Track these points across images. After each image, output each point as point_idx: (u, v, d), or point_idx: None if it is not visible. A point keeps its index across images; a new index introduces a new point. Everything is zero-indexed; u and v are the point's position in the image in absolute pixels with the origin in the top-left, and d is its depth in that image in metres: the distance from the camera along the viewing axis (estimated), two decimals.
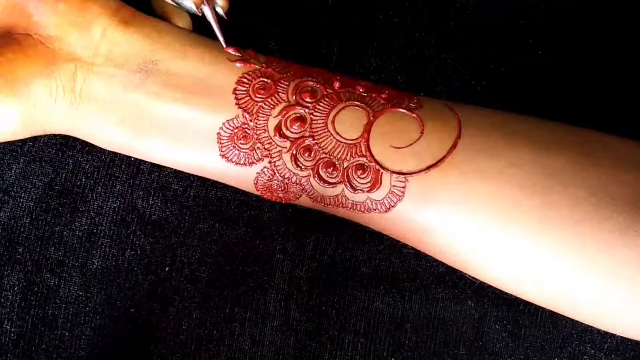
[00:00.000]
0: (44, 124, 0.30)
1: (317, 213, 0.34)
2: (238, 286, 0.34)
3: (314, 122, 0.29)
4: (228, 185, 0.31)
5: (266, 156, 0.29)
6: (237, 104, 0.29)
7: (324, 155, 0.28)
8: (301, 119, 0.29)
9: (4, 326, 0.33)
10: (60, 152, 0.34)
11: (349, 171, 0.28)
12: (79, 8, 0.29)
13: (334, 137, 0.29)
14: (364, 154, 0.28)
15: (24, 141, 0.34)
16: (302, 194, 0.30)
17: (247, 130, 0.29)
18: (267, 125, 0.29)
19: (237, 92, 0.29)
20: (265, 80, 0.29)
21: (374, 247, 0.34)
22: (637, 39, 0.36)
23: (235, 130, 0.29)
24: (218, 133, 0.29)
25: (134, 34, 0.30)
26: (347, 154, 0.28)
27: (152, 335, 0.33)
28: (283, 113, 0.29)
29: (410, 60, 0.36)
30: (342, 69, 0.35)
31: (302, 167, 0.29)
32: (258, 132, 0.29)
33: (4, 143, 0.34)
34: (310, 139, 0.29)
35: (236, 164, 0.29)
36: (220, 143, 0.29)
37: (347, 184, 0.28)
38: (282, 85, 0.29)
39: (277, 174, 0.29)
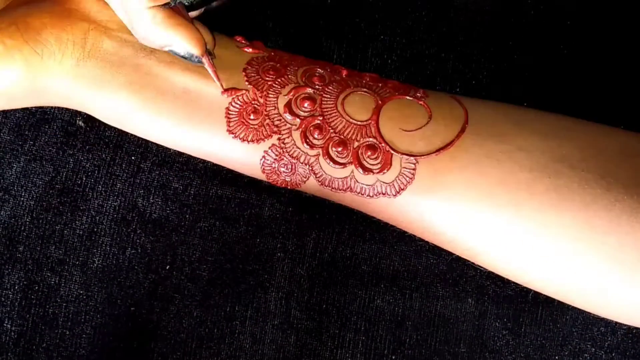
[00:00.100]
0: (46, 82, 0.29)
1: (318, 211, 0.34)
2: (238, 284, 0.34)
3: (323, 102, 0.29)
4: (229, 181, 0.31)
5: (275, 132, 0.29)
6: (247, 81, 0.29)
7: (334, 135, 0.28)
8: (311, 99, 0.29)
9: (5, 325, 0.33)
10: (60, 150, 0.34)
11: (360, 151, 0.28)
12: None
13: (343, 118, 0.29)
14: (374, 135, 0.28)
15: (24, 140, 0.34)
16: (309, 177, 0.29)
17: (256, 106, 0.29)
18: (277, 102, 0.29)
19: (247, 71, 0.29)
20: (274, 64, 0.30)
21: (375, 245, 0.34)
22: (637, 38, 0.36)
23: (245, 106, 0.29)
24: (227, 108, 0.29)
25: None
26: (357, 134, 0.28)
27: (152, 333, 0.33)
28: (293, 92, 0.29)
29: (410, 59, 0.36)
30: None
31: (312, 145, 0.28)
32: (268, 109, 0.29)
33: (5, 143, 0.34)
34: (320, 118, 0.28)
35: (243, 140, 0.29)
36: (229, 118, 0.29)
37: (357, 165, 0.28)
38: (291, 69, 0.29)
39: (285, 153, 0.29)
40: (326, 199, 0.31)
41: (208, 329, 0.33)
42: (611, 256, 0.26)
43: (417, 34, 0.36)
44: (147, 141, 0.34)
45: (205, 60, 0.28)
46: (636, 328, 0.33)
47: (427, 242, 0.33)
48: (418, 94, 0.29)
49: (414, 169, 0.28)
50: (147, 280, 0.34)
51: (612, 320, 0.32)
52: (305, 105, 0.29)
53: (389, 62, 0.36)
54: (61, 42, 0.28)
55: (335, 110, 0.29)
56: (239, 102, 0.29)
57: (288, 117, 0.29)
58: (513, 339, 0.34)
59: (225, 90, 0.29)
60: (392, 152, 0.28)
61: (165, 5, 0.27)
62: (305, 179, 0.29)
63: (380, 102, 0.29)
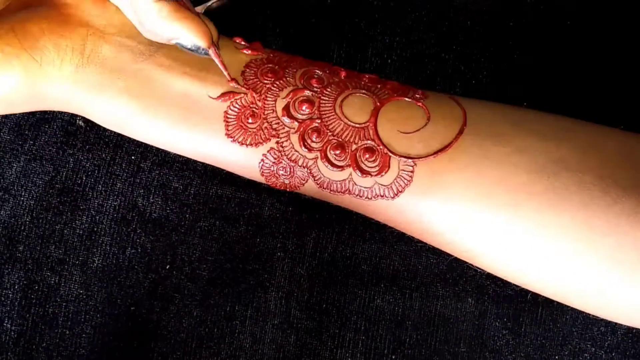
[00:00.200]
0: (46, 88, 0.29)
1: (317, 211, 0.34)
2: (238, 284, 0.34)
3: (321, 105, 0.29)
4: (229, 181, 0.31)
5: (273, 136, 0.29)
6: (245, 84, 0.29)
7: (332, 138, 0.28)
8: (309, 102, 0.29)
9: (5, 325, 0.33)
10: (60, 150, 0.34)
11: (358, 154, 0.28)
12: None
13: (341, 120, 0.29)
14: (372, 137, 0.28)
15: (24, 139, 0.34)
16: (308, 179, 0.29)
17: (254, 109, 0.29)
18: (275, 106, 0.29)
19: (246, 74, 0.29)
20: (273, 66, 0.30)
21: (375, 244, 0.34)
22: (637, 38, 0.36)
23: (243, 109, 0.29)
24: (225, 112, 0.29)
25: None
26: (355, 137, 0.28)
27: (152, 333, 0.33)
28: (291, 95, 0.29)
29: (410, 59, 0.36)
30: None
31: (310, 148, 0.29)
32: (266, 112, 0.29)
33: (5, 142, 0.34)
34: (318, 121, 0.29)
35: (241, 144, 0.29)
36: (227, 122, 0.29)
37: (355, 167, 0.28)
38: (290, 72, 0.29)
39: (284, 156, 0.29)
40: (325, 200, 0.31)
41: (208, 328, 0.33)
42: (610, 256, 0.26)
43: (417, 34, 0.36)
44: None
45: (212, 51, 0.28)
46: (636, 328, 0.33)
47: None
48: (417, 95, 0.29)
49: (412, 171, 0.28)
50: (147, 279, 0.34)
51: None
52: (304, 108, 0.29)
53: (388, 62, 0.36)
54: (60, 48, 0.28)
55: (333, 113, 0.29)
56: (237, 105, 0.29)
57: (286, 120, 0.29)
58: (513, 339, 0.34)
59: (224, 94, 0.29)
60: (390, 154, 0.28)
61: None
62: (303, 182, 0.29)
63: (378, 103, 0.29)
